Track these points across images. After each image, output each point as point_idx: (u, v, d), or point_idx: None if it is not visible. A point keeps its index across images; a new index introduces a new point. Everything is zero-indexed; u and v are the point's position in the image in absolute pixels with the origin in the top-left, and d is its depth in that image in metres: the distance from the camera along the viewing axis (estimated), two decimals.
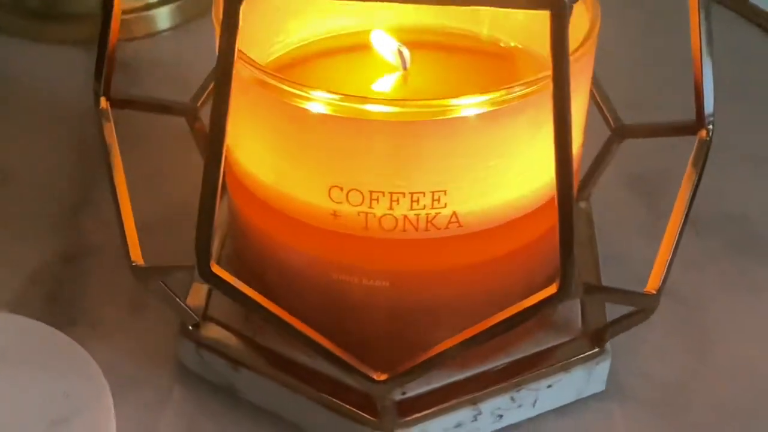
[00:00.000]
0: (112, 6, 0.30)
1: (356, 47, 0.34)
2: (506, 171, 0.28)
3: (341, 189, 0.28)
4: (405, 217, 0.28)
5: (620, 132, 0.36)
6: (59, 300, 0.36)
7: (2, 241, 0.38)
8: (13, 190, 0.41)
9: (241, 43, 0.28)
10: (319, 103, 0.27)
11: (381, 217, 0.28)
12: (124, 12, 0.48)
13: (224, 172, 0.32)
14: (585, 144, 0.34)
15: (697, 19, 0.30)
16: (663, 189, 0.32)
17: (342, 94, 0.27)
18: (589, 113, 0.34)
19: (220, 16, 0.25)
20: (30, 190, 0.41)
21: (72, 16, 0.48)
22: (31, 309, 0.35)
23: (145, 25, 0.49)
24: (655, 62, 0.47)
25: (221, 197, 0.36)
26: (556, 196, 0.26)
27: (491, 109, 0.27)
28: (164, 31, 0.49)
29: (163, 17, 0.49)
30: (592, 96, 0.36)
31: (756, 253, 0.38)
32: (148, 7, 0.49)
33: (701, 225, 0.39)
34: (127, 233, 0.30)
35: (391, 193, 0.28)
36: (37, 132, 0.43)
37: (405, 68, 0.32)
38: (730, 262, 0.38)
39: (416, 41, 0.33)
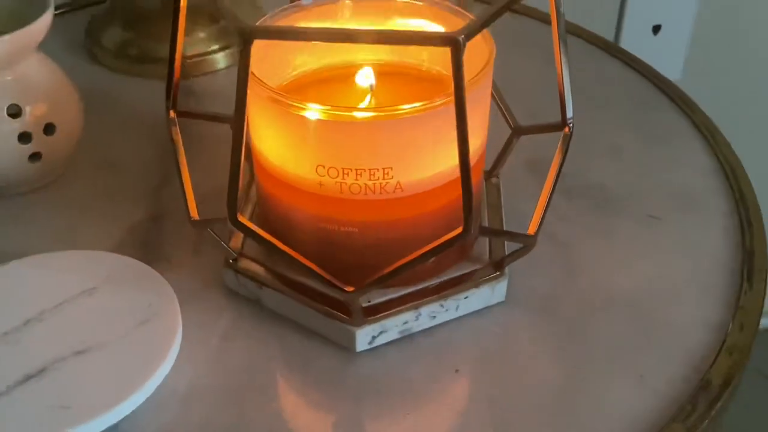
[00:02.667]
0: (175, 50, 0.31)
1: (342, 76, 0.34)
2: (433, 154, 0.29)
3: (324, 167, 0.29)
4: (366, 185, 0.29)
5: (517, 130, 0.37)
6: (146, 245, 0.37)
7: (109, 206, 0.39)
8: (118, 173, 0.41)
9: (262, 74, 0.29)
10: (308, 111, 0.28)
11: (350, 185, 0.29)
12: (193, 56, 0.48)
13: (252, 159, 0.33)
14: (494, 139, 0.34)
15: (558, 52, 0.30)
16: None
17: (323, 105, 0.28)
18: (496, 118, 0.35)
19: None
20: (129, 173, 0.41)
21: (159, 59, 0.48)
22: (128, 251, 0.35)
23: (208, 65, 0.48)
24: (550, 82, 0.47)
25: (251, 179, 0.37)
26: (459, 171, 0.26)
27: (420, 113, 0.28)
28: (221, 69, 0.49)
29: (220, 60, 0.49)
30: (497, 105, 0.37)
31: (610, 210, 0.39)
32: (210, 52, 0.49)
33: (573, 192, 0.39)
34: (187, 197, 0.31)
35: (356, 169, 0.29)
36: (135, 137, 0.43)
37: (372, 89, 0.33)
38: (592, 216, 0.38)
39: (381, 71, 0.34)
